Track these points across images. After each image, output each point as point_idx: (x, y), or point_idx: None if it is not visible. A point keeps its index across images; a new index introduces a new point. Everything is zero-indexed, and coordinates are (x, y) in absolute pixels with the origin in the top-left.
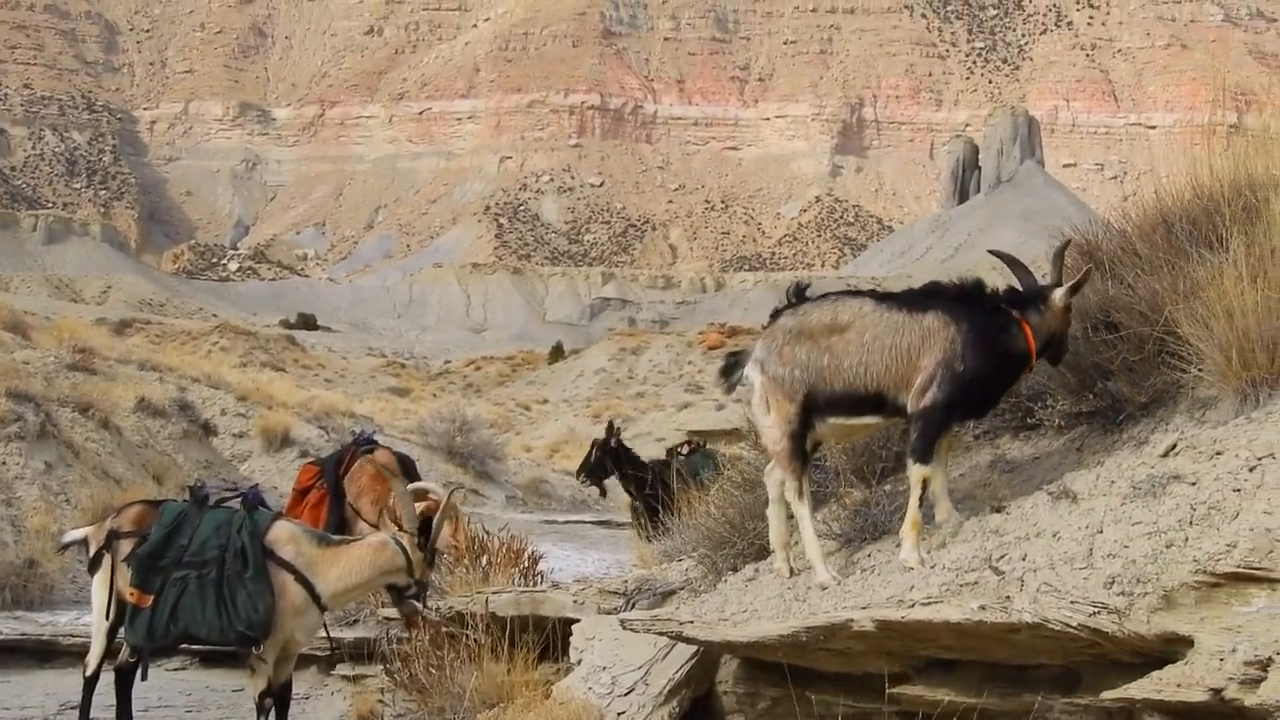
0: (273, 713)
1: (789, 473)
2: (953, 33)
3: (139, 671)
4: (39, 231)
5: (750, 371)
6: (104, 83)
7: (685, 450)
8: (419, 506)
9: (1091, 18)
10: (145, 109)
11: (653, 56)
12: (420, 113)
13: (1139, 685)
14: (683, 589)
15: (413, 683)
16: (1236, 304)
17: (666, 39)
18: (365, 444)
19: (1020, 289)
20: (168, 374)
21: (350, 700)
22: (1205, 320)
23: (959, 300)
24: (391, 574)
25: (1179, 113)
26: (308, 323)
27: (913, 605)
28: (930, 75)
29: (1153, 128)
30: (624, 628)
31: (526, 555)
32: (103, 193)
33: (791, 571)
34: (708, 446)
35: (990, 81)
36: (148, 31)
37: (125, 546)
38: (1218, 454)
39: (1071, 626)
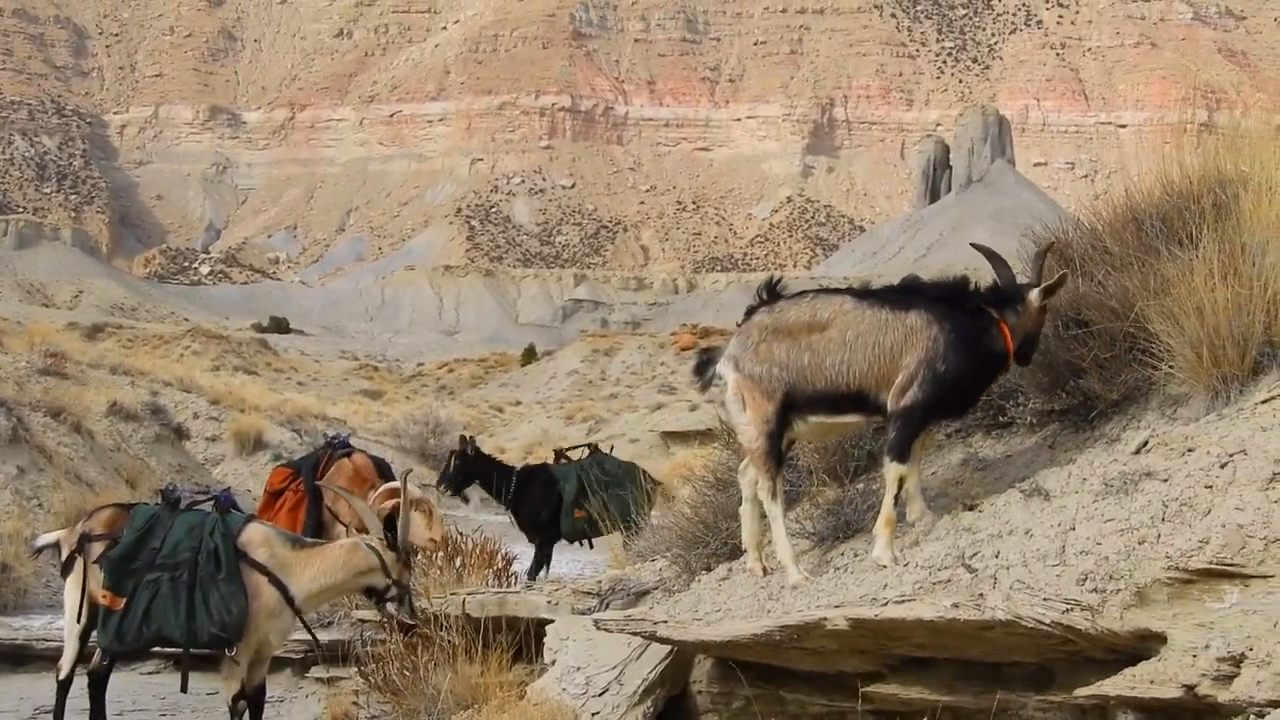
0: (246, 715)
1: (763, 472)
2: (923, 32)
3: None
4: (9, 236)
5: (724, 369)
6: (73, 87)
7: (582, 455)
8: (388, 504)
9: (1061, 16)
10: (115, 113)
11: (623, 58)
12: (391, 115)
13: (1113, 682)
14: (656, 589)
15: (387, 685)
16: (1207, 301)
17: (636, 40)
18: (341, 447)
19: (999, 286)
20: (140, 378)
21: (325, 703)
22: (1176, 317)
23: (941, 300)
24: (366, 575)
25: (1149, 111)
26: (280, 326)
27: (886, 603)
28: (901, 75)
29: (1123, 126)
30: (598, 628)
31: (500, 556)
32: (73, 197)
33: (765, 571)
34: (612, 453)
35: (961, 81)
36: (117, 35)
37: (97, 549)
38: (1189, 451)
39: (1045, 624)
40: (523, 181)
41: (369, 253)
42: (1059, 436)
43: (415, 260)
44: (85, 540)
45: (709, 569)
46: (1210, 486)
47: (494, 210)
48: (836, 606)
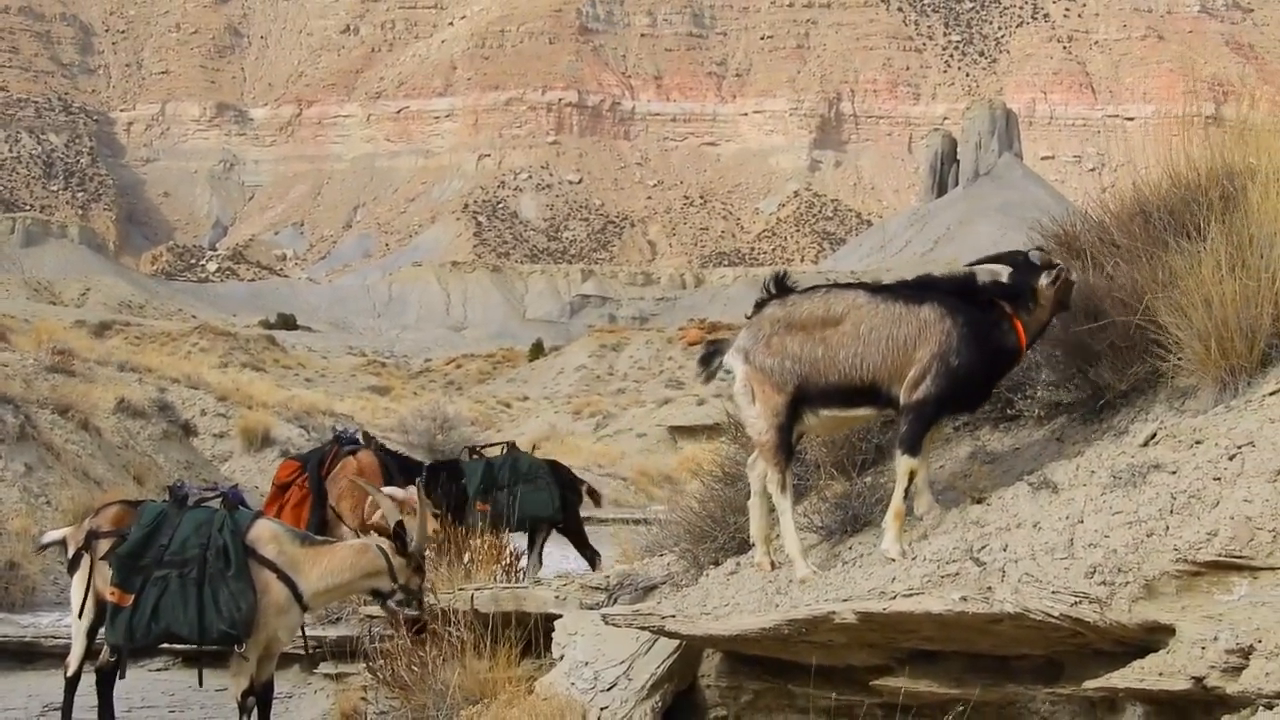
0: (255, 712)
1: (773, 465)
2: (929, 26)
3: (119, 671)
4: (17, 234)
5: (732, 361)
6: (80, 84)
7: (498, 453)
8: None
9: (1068, 10)
10: (122, 110)
11: (630, 53)
12: (398, 111)
13: (1121, 674)
14: (664, 583)
15: (395, 680)
16: (1215, 293)
17: (643, 35)
18: (348, 443)
19: (1008, 283)
20: (147, 375)
21: (333, 698)
22: (1184, 310)
23: (954, 293)
24: (373, 577)
25: (1156, 104)
26: (287, 323)
27: (894, 597)
28: (907, 69)
29: (1130, 119)
30: (606, 623)
31: (508, 552)
32: (80, 194)
33: (773, 565)
34: (534, 452)
35: (967, 75)
36: (123, 33)
37: (104, 546)
38: (1197, 443)
39: (1053, 616)
40: (530, 177)
41: (376, 249)
42: (1067, 429)
43: (422, 256)
44: (92, 537)
45: (717, 563)
46: (1218, 478)
47: (501, 206)
48: (845, 600)
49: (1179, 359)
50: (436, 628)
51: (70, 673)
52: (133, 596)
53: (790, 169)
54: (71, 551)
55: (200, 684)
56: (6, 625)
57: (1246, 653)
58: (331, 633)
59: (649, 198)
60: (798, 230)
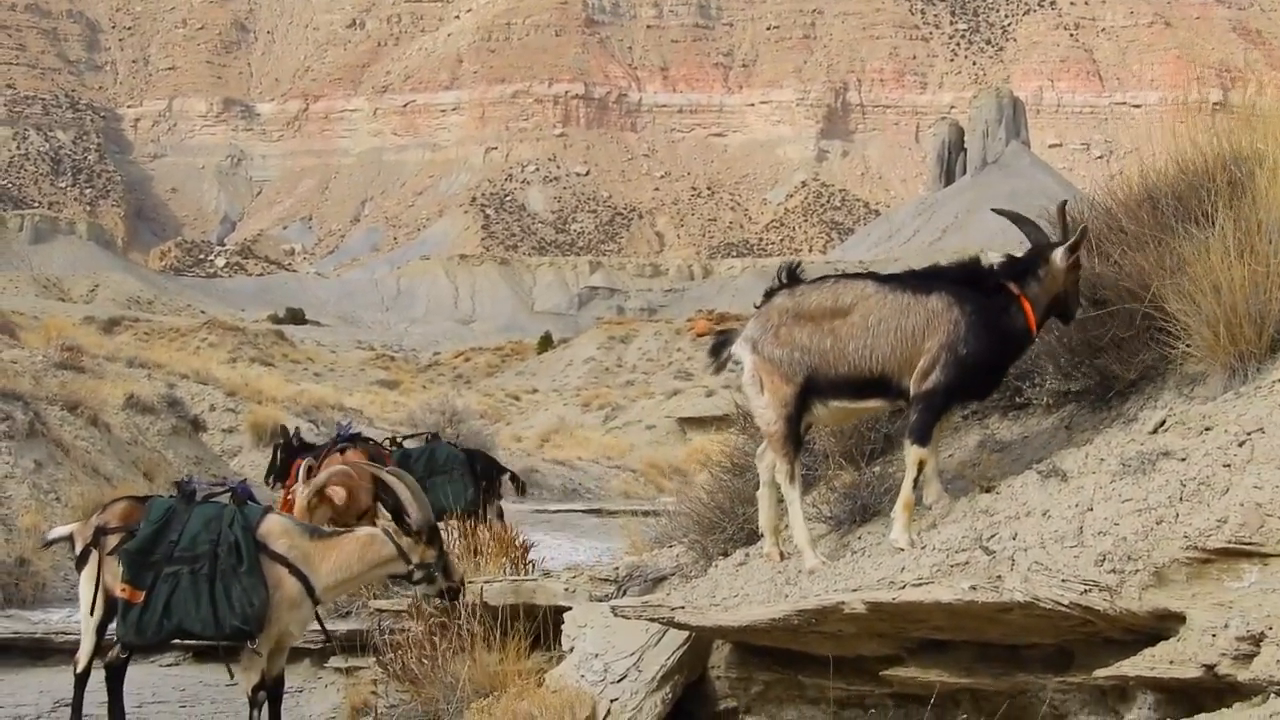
0: (266, 707)
1: (782, 455)
2: (936, 15)
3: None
4: (25, 231)
5: (740, 351)
6: (87, 81)
7: (422, 442)
8: (341, 492)
9: None
10: (129, 107)
11: (636, 45)
12: (404, 105)
13: (1132, 663)
14: (674, 575)
15: (405, 673)
16: (1223, 279)
17: (649, 27)
18: (345, 440)
19: (1015, 257)
20: (156, 371)
21: (344, 692)
22: (1193, 296)
23: (961, 281)
24: (385, 565)
25: (1163, 91)
26: (296, 317)
27: (904, 586)
28: (914, 58)
29: (1137, 106)
30: (615, 615)
31: (517, 544)
32: (88, 191)
33: (782, 556)
34: (457, 442)
35: (974, 63)
36: (129, 29)
37: (113, 542)
38: (1207, 429)
39: (1063, 605)
40: (537, 170)
41: (384, 243)
42: (1076, 417)
43: (430, 250)
44: (100, 533)
45: (726, 554)
46: (1228, 465)
47: (509, 199)
48: (854, 590)
49: (1188, 345)
50: (446, 620)
51: (80, 669)
52: (144, 593)
53: (797, 159)
54: (79, 548)
55: (231, 677)
56: (17, 621)
57: (1258, 640)
58: (341, 626)
59: (656, 189)
60: (805, 220)
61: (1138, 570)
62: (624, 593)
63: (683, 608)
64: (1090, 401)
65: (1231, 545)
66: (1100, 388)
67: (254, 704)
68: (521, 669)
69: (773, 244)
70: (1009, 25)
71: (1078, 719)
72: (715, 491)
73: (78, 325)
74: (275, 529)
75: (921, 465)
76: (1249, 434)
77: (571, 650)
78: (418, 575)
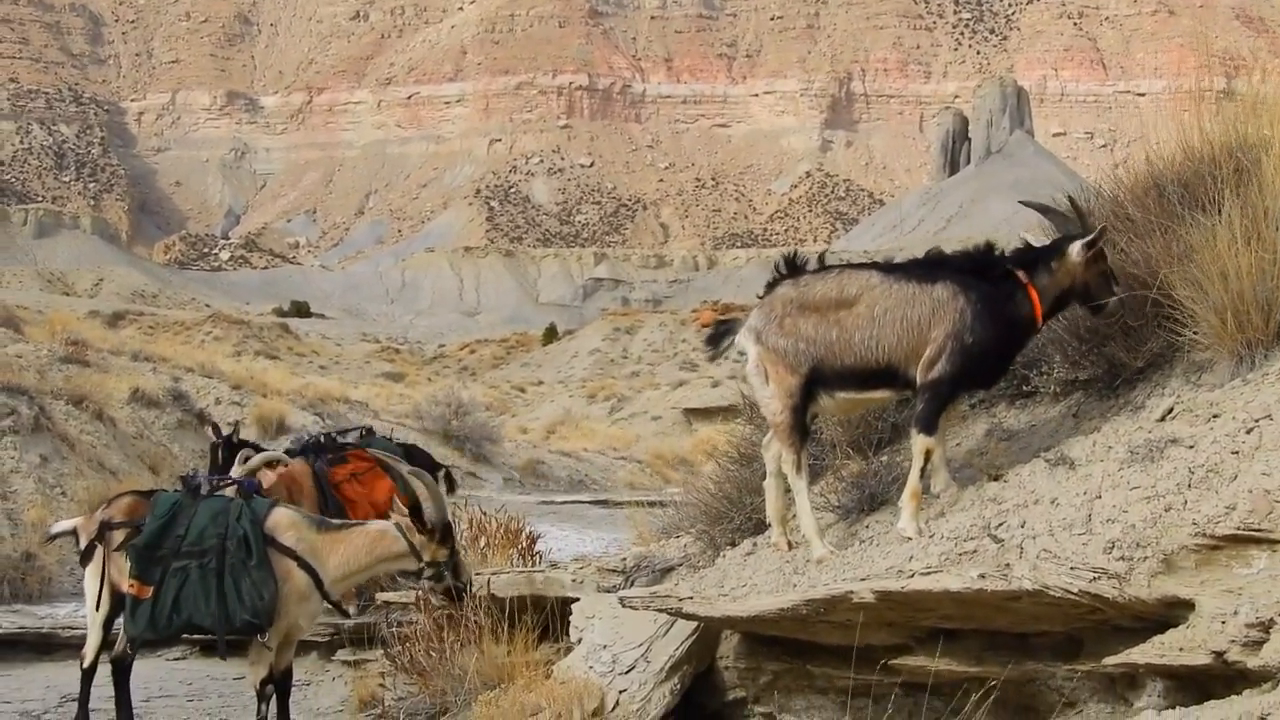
0: (274, 700)
1: (788, 446)
2: (939, 4)
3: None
4: (29, 225)
5: (745, 341)
6: (90, 75)
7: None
8: (272, 476)
9: None
10: (132, 100)
11: (640, 35)
12: (408, 97)
13: (1141, 650)
14: (681, 565)
15: (413, 666)
16: (1230, 266)
17: (653, 17)
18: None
19: (1029, 246)
20: (161, 365)
21: (351, 685)
22: (1200, 283)
23: (966, 270)
24: (392, 560)
25: (1167, 79)
26: (301, 310)
27: (912, 575)
28: (918, 48)
29: (1141, 95)
30: (623, 605)
31: (524, 536)
32: (92, 185)
33: (790, 545)
34: (392, 436)
35: (978, 52)
36: (133, 22)
37: (118, 537)
38: (1215, 417)
39: (1072, 593)
40: (541, 161)
41: (388, 235)
42: (1083, 405)
43: (435, 242)
44: (105, 528)
45: (734, 544)
46: (1236, 452)
47: (513, 190)
48: (862, 579)
49: (1195, 333)
50: (454, 612)
51: (86, 664)
52: (152, 588)
53: (802, 149)
54: (84, 543)
55: (223, 658)
56: (24, 616)
57: (1267, 626)
58: (349, 620)
59: (661, 180)
60: (810, 211)
61: (1146, 557)
62: (632, 583)
63: (691, 598)
64: (1098, 389)
65: (1240, 532)
66: (1108, 375)
67: (262, 697)
68: (529, 660)
69: (777, 234)
70: (1012, 14)
71: (1087, 707)
72: (722, 481)
73: (82, 319)
74: (283, 522)
75: (928, 454)
76: (1257, 421)
77: (579, 641)
78: (428, 573)
